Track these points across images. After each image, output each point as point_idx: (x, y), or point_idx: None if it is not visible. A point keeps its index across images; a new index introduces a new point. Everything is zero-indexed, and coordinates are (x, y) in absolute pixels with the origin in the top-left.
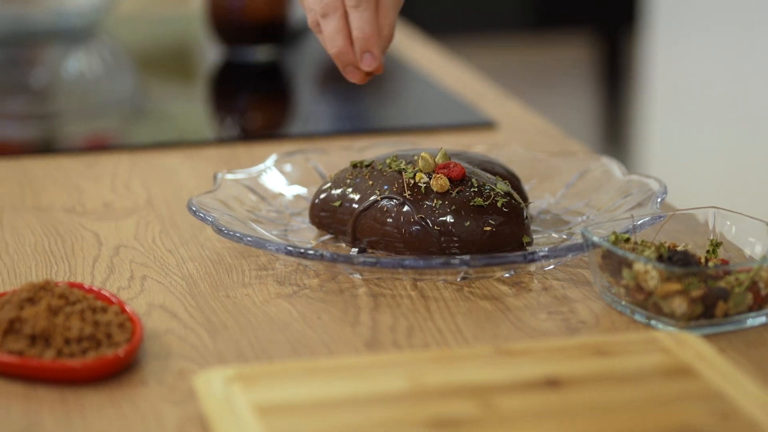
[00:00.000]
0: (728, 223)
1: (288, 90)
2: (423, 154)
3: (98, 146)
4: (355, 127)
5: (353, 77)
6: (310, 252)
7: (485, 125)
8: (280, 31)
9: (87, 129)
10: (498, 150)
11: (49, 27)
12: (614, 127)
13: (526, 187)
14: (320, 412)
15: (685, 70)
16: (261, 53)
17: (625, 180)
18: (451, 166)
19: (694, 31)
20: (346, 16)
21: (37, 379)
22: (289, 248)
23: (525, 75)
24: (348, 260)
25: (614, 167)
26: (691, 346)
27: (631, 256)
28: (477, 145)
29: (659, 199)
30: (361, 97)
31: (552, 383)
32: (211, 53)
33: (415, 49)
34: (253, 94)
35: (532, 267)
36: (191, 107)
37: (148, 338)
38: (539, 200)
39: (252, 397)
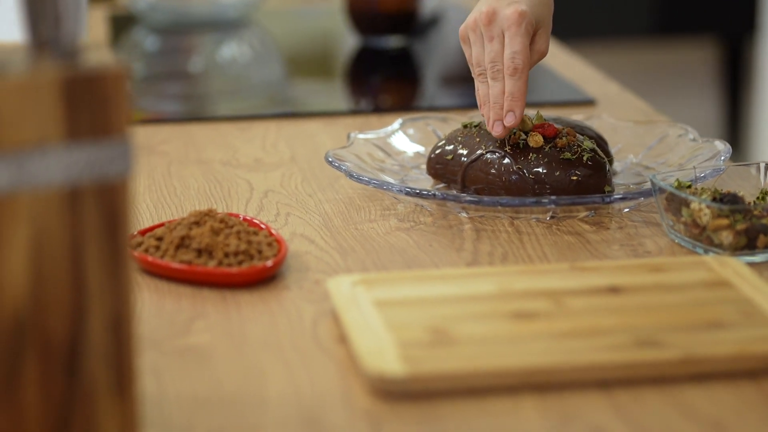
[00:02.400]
0: None
1: (415, 73)
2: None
3: (250, 114)
4: (472, 103)
5: (496, 131)
6: (424, 192)
7: (587, 102)
8: (410, 22)
9: (238, 107)
10: (592, 119)
11: (206, 18)
12: (735, 131)
13: (614, 149)
14: (424, 306)
15: None
16: (393, 41)
17: (698, 143)
18: (546, 125)
19: None
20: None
21: (202, 283)
22: (407, 189)
23: (649, 78)
24: (455, 198)
25: (689, 133)
26: (732, 266)
27: (688, 196)
28: (575, 114)
29: (723, 158)
30: None
31: (613, 290)
32: (348, 41)
33: None
34: (385, 76)
35: (609, 208)
36: (331, 86)
37: (291, 257)
38: (624, 160)
39: (372, 294)
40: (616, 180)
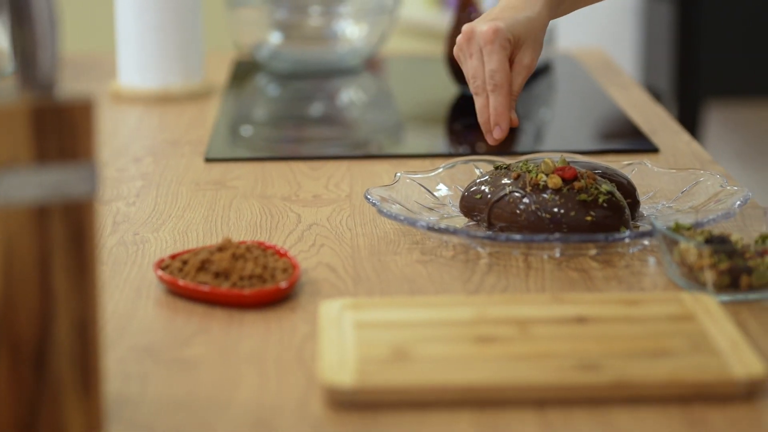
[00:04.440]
0: None
1: None
2: (546, 159)
3: (323, 155)
4: (549, 146)
5: (489, 140)
6: (440, 227)
7: (650, 151)
8: None
9: (347, 149)
10: (633, 166)
11: (327, 65)
12: None
13: (648, 194)
14: (398, 328)
15: None
16: None
17: (724, 190)
18: (566, 168)
19: None
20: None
21: (216, 302)
22: (428, 225)
23: None
24: (467, 234)
25: (718, 180)
26: (703, 303)
27: (676, 237)
28: (627, 160)
29: (737, 203)
30: (565, 125)
31: (580, 320)
32: (449, 89)
33: (621, 87)
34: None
35: (621, 246)
36: (428, 131)
37: (309, 283)
38: (657, 204)
39: (356, 317)
40: (642, 222)
